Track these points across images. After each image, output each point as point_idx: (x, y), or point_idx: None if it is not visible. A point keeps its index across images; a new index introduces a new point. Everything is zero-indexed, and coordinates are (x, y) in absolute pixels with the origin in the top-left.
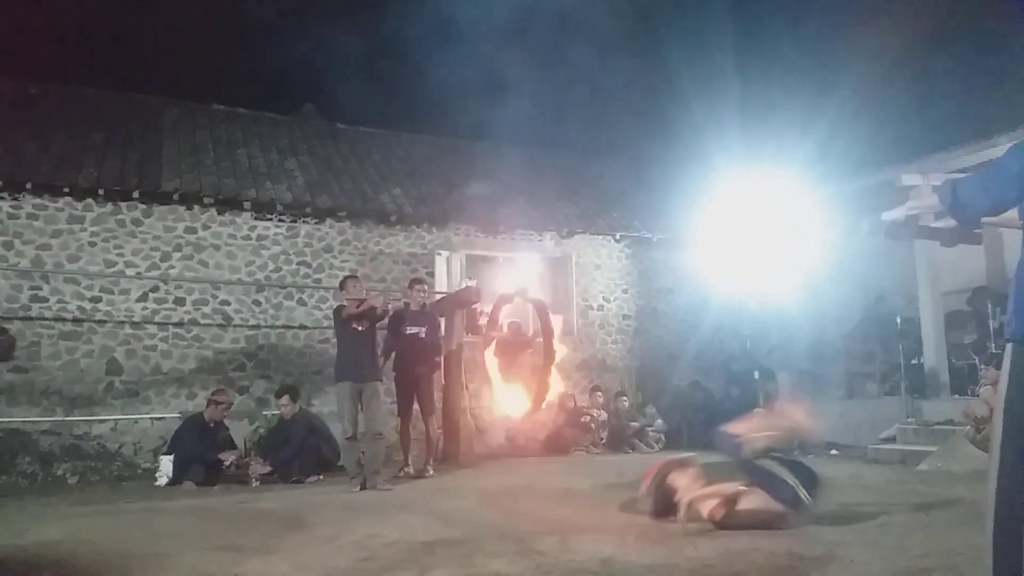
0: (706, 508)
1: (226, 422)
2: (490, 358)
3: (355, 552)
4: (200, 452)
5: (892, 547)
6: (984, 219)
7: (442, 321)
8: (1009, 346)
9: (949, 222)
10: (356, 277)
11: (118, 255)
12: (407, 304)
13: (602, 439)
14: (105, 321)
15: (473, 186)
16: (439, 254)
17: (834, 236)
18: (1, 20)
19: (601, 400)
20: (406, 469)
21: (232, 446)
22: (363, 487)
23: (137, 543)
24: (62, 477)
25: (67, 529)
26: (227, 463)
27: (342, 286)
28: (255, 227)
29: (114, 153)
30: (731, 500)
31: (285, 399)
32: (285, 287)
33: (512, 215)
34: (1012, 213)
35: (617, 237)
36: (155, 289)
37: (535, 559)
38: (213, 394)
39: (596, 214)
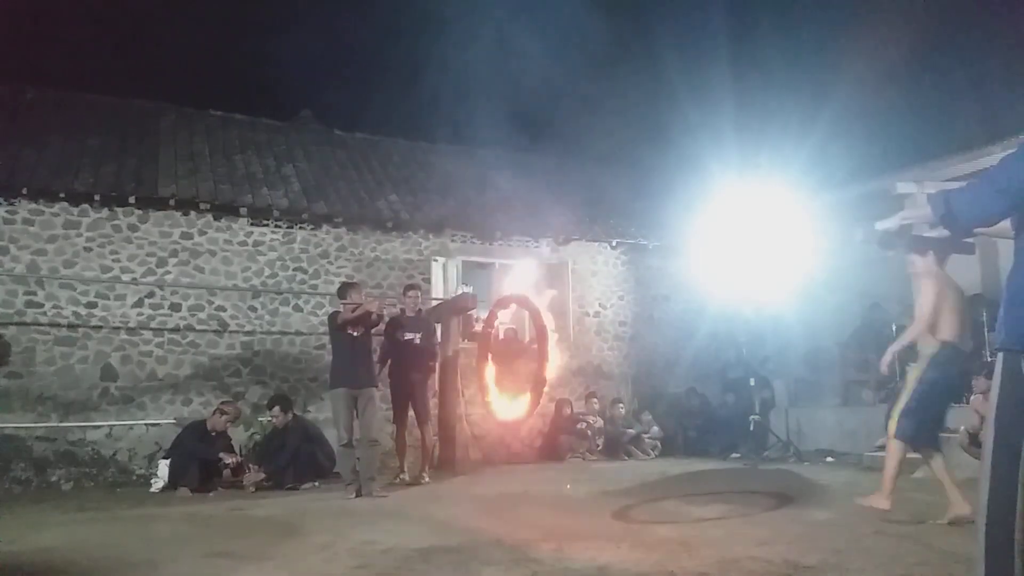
0: None
1: (228, 432)
2: (486, 365)
3: (350, 560)
4: (200, 450)
5: (888, 555)
6: (977, 229)
7: (438, 327)
8: (1000, 355)
9: (942, 232)
10: (356, 284)
11: (114, 260)
12: (403, 310)
13: (598, 446)
14: (100, 327)
15: (469, 193)
16: (435, 260)
17: (829, 244)
18: None
19: (597, 407)
20: (402, 476)
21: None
22: (358, 494)
23: (132, 550)
24: (56, 483)
25: (61, 536)
26: (227, 462)
27: (341, 293)
28: (251, 233)
29: (110, 158)
30: None
31: (276, 410)
32: (281, 293)
33: (508, 222)
34: (1005, 224)
35: (613, 244)
36: (151, 295)
37: (531, 567)
38: (222, 403)
39: (592, 221)
